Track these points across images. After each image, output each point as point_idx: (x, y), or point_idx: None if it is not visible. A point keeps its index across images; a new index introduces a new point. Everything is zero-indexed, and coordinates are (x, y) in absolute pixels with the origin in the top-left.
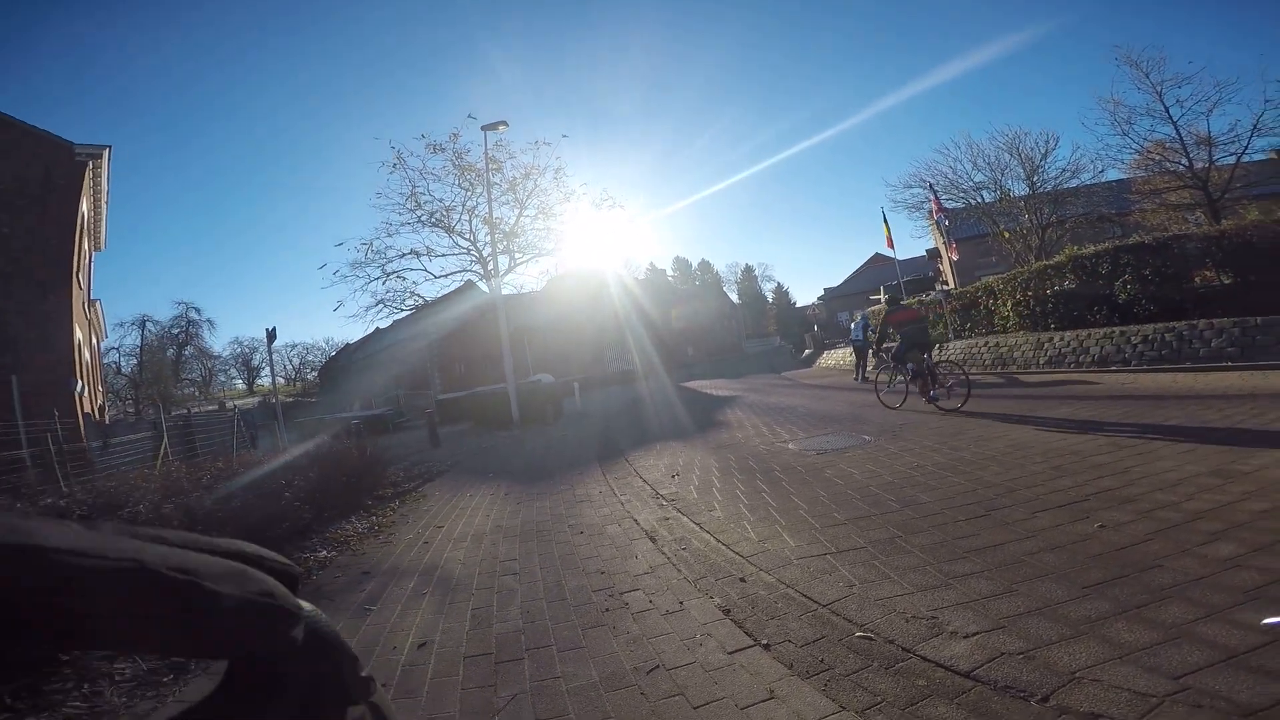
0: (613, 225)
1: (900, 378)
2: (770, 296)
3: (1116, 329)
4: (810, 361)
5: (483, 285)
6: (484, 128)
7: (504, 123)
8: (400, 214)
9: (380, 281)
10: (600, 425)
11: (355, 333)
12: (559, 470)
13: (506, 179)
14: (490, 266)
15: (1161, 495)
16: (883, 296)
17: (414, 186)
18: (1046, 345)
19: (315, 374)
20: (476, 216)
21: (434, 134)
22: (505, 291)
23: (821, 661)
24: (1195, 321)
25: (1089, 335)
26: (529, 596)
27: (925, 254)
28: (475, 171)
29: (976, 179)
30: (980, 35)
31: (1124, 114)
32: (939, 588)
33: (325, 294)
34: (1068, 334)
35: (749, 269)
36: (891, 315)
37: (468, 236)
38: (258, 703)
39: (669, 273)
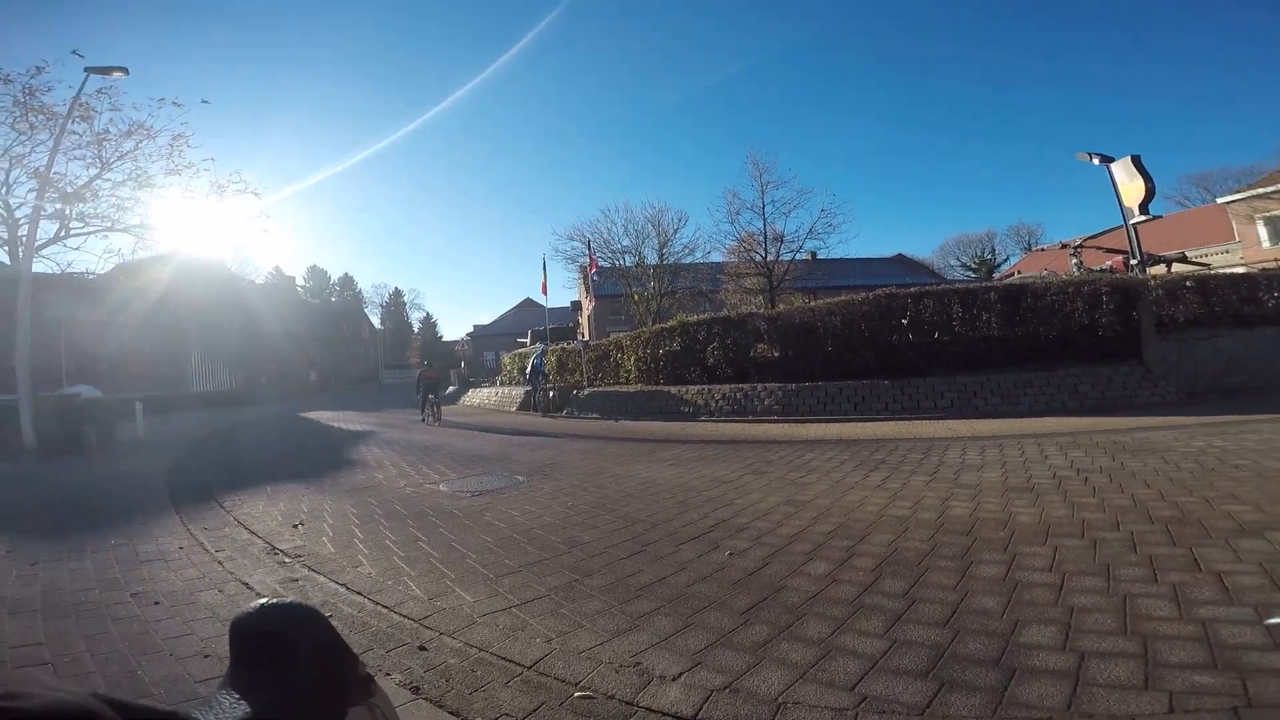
0: (237, 215)
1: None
2: (417, 326)
3: (706, 386)
4: (455, 399)
5: (1, 254)
6: (90, 69)
7: (122, 69)
8: None
9: None
10: (180, 459)
11: None
12: (108, 518)
13: (94, 131)
14: (23, 232)
15: (761, 523)
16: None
17: None
18: (657, 397)
19: None
20: (22, 167)
21: (6, 63)
22: (40, 269)
23: None
24: (755, 384)
25: (687, 390)
26: None
27: (570, 305)
28: (47, 114)
29: (624, 243)
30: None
31: (737, 205)
32: (631, 630)
33: None
34: (674, 388)
35: (398, 293)
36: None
37: None
38: (260, 702)
39: (299, 281)
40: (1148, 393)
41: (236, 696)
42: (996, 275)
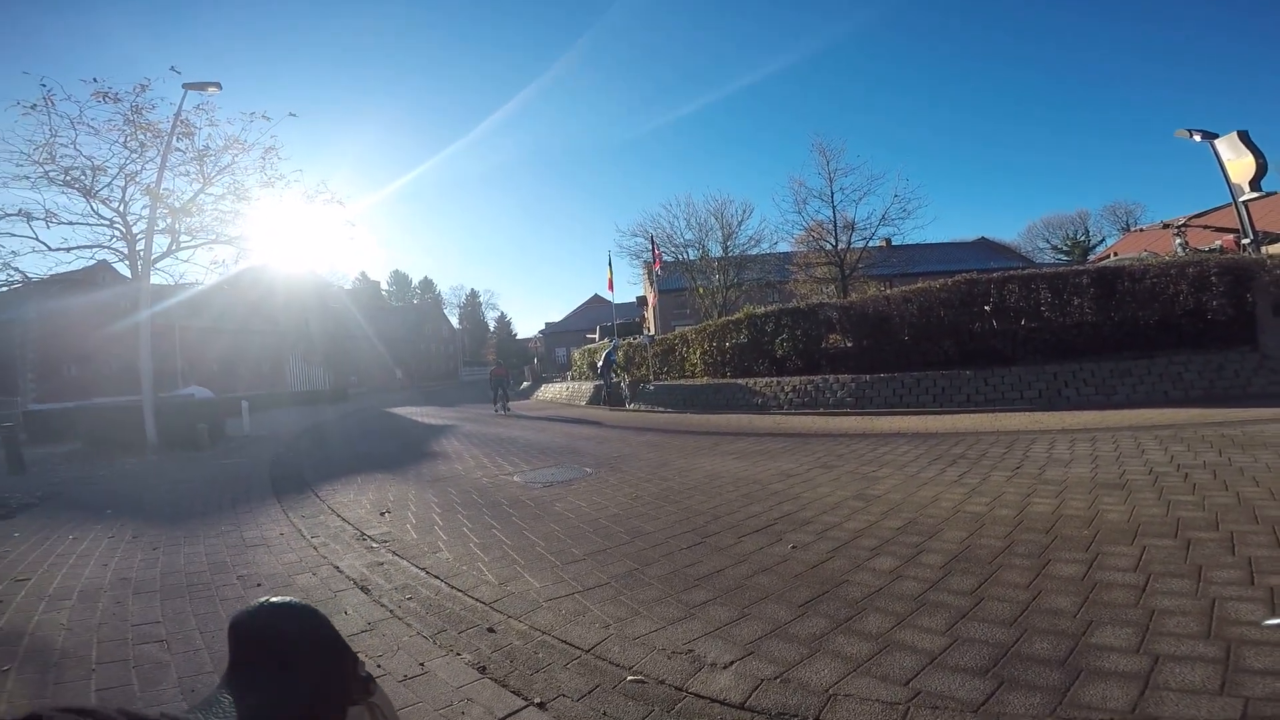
0: (325, 223)
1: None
2: (493, 325)
3: (774, 379)
4: (529, 394)
5: (123, 268)
6: (188, 86)
7: (216, 84)
8: (20, 165)
9: None
10: (280, 453)
11: None
12: (217, 507)
13: (196, 148)
14: (141, 246)
15: (828, 517)
16: (596, 337)
17: (55, 134)
18: (724, 390)
19: None
20: (136, 184)
21: (113, 81)
22: (159, 281)
23: (605, 714)
24: (827, 376)
25: (755, 383)
26: (190, 672)
27: (636, 300)
28: (154, 131)
29: (687, 237)
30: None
31: (803, 194)
32: (685, 619)
33: None
34: (740, 381)
35: (474, 294)
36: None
37: (115, 206)
38: (260, 702)
39: (384, 286)
40: (1264, 381)
41: (237, 696)
42: (1091, 258)
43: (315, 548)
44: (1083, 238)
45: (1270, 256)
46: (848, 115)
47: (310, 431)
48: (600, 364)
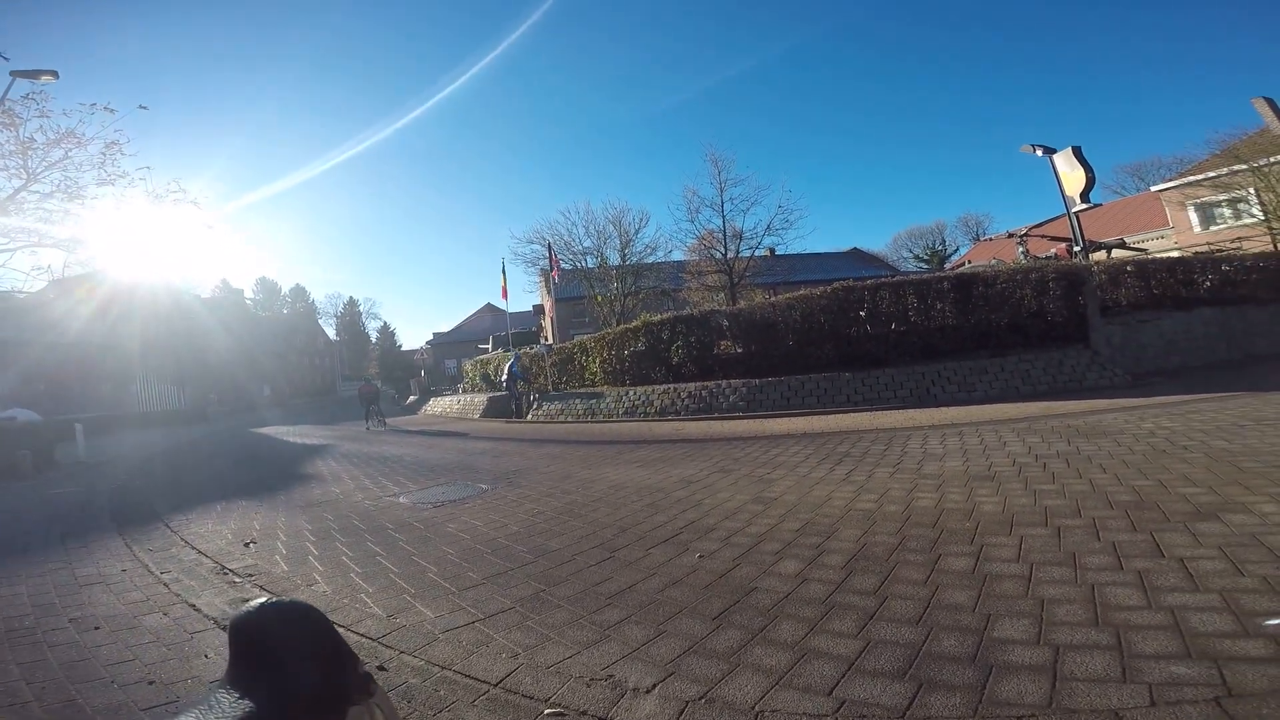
0: (179, 227)
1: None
2: (375, 336)
3: (671, 385)
4: (416, 408)
5: None
6: (16, 73)
7: (51, 73)
8: None
9: None
10: (123, 481)
11: None
12: (42, 543)
13: (20, 139)
14: None
15: (730, 523)
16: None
17: None
18: (624, 398)
19: None
20: None
21: None
22: None
23: None
24: (720, 381)
25: (653, 390)
26: None
27: (532, 309)
28: None
29: (585, 244)
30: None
31: (697, 203)
32: (600, 642)
33: None
34: (640, 389)
35: (353, 302)
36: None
37: None
38: (260, 701)
39: (248, 294)
40: (1096, 376)
41: (236, 695)
42: (947, 265)
43: (166, 584)
44: (940, 247)
45: (1097, 263)
46: (737, 125)
47: (160, 456)
48: (505, 376)
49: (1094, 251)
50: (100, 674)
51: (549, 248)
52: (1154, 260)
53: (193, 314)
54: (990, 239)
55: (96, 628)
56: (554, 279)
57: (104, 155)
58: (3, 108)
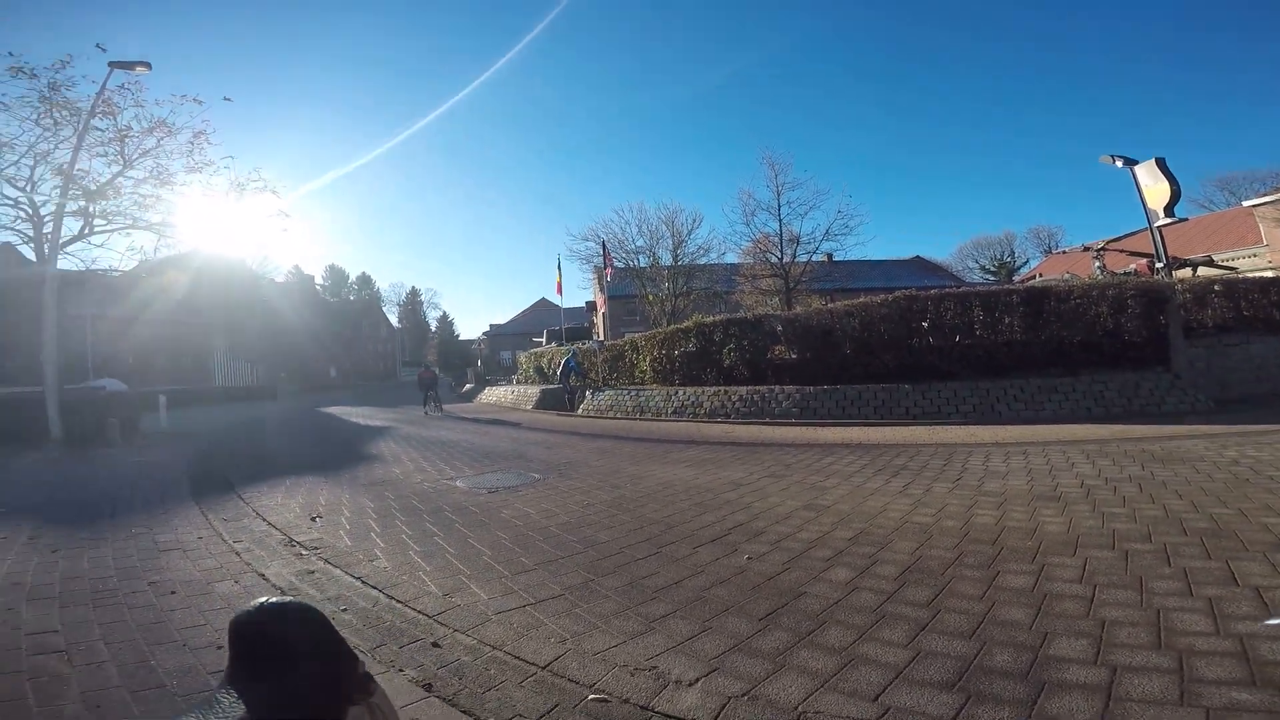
0: (258, 213)
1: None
2: (434, 325)
3: (722, 388)
4: (471, 396)
5: (27, 250)
6: (114, 64)
7: (145, 64)
8: None
9: None
10: (201, 451)
11: None
12: (127, 508)
13: (118, 128)
14: (49, 229)
15: (780, 528)
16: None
17: None
18: (673, 397)
19: None
20: (47, 163)
21: (32, 57)
22: (66, 266)
23: None
24: (773, 386)
25: (703, 391)
26: (94, 684)
27: (585, 305)
28: (71, 109)
29: (638, 243)
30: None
31: (752, 206)
32: (646, 633)
33: None
34: (689, 389)
35: (414, 292)
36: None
37: (21, 185)
38: (260, 701)
39: (319, 281)
40: (1176, 400)
41: (236, 695)
42: (1016, 278)
43: (238, 553)
44: (1009, 259)
45: (1180, 281)
46: (798, 127)
47: (235, 429)
48: (560, 370)
49: (1178, 269)
50: (174, 637)
51: (603, 246)
52: (1245, 279)
53: (268, 297)
54: (1064, 252)
55: (173, 592)
56: (607, 277)
57: (192, 144)
58: (102, 97)
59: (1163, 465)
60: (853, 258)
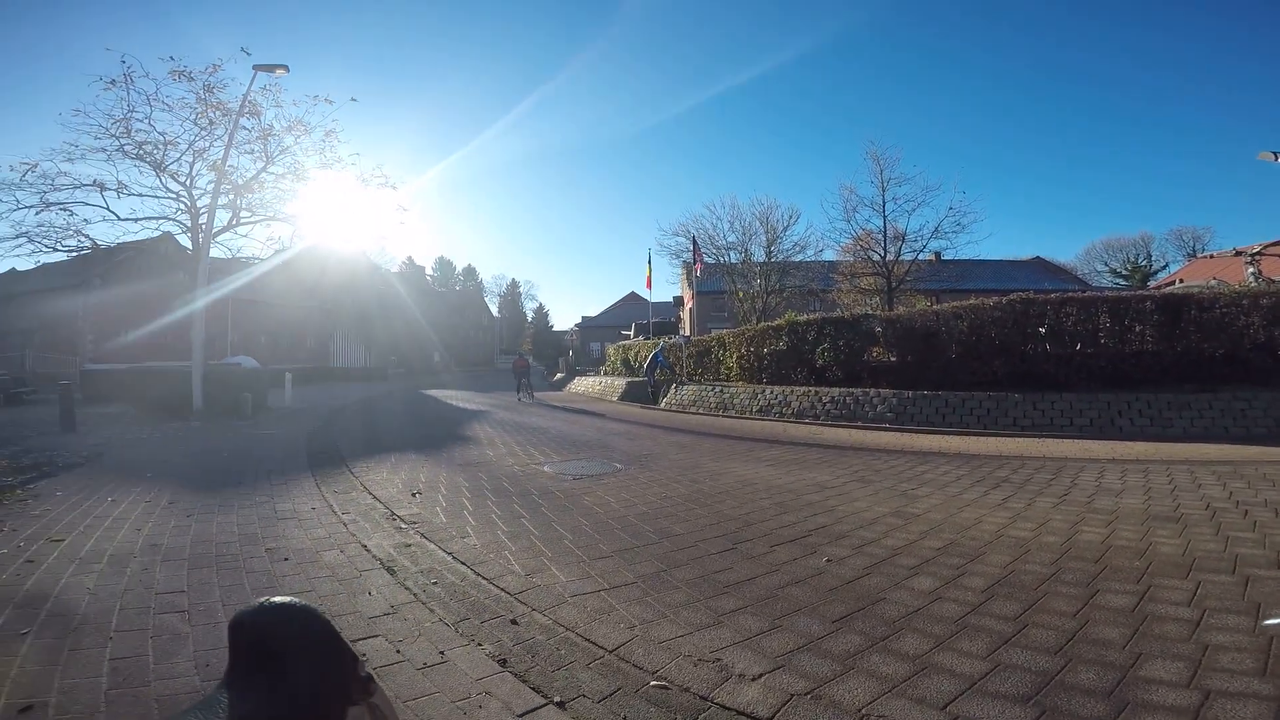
0: (377, 206)
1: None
2: (530, 315)
3: (812, 389)
4: (561, 385)
5: (184, 239)
6: (258, 67)
7: (284, 67)
8: (98, 138)
9: (34, 212)
10: (318, 427)
11: None
12: (253, 477)
13: (261, 127)
14: (203, 220)
15: (864, 533)
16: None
17: (132, 109)
18: (759, 396)
19: None
20: (203, 160)
21: (189, 61)
22: (217, 254)
23: (626, 719)
24: (868, 389)
25: (792, 391)
26: (207, 644)
27: (673, 300)
28: (223, 110)
29: (729, 239)
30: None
31: (854, 202)
32: (713, 626)
33: None
34: (777, 388)
35: (514, 284)
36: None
37: (183, 180)
38: (259, 702)
39: (428, 271)
40: None
41: (236, 696)
42: (1152, 284)
43: (345, 525)
44: (1144, 262)
45: None
46: (905, 121)
47: (349, 408)
48: (647, 363)
49: None
50: None
51: (693, 241)
52: None
53: (383, 285)
54: (1211, 256)
55: (286, 559)
56: (696, 273)
57: (324, 142)
58: (248, 98)
59: None
60: (964, 257)
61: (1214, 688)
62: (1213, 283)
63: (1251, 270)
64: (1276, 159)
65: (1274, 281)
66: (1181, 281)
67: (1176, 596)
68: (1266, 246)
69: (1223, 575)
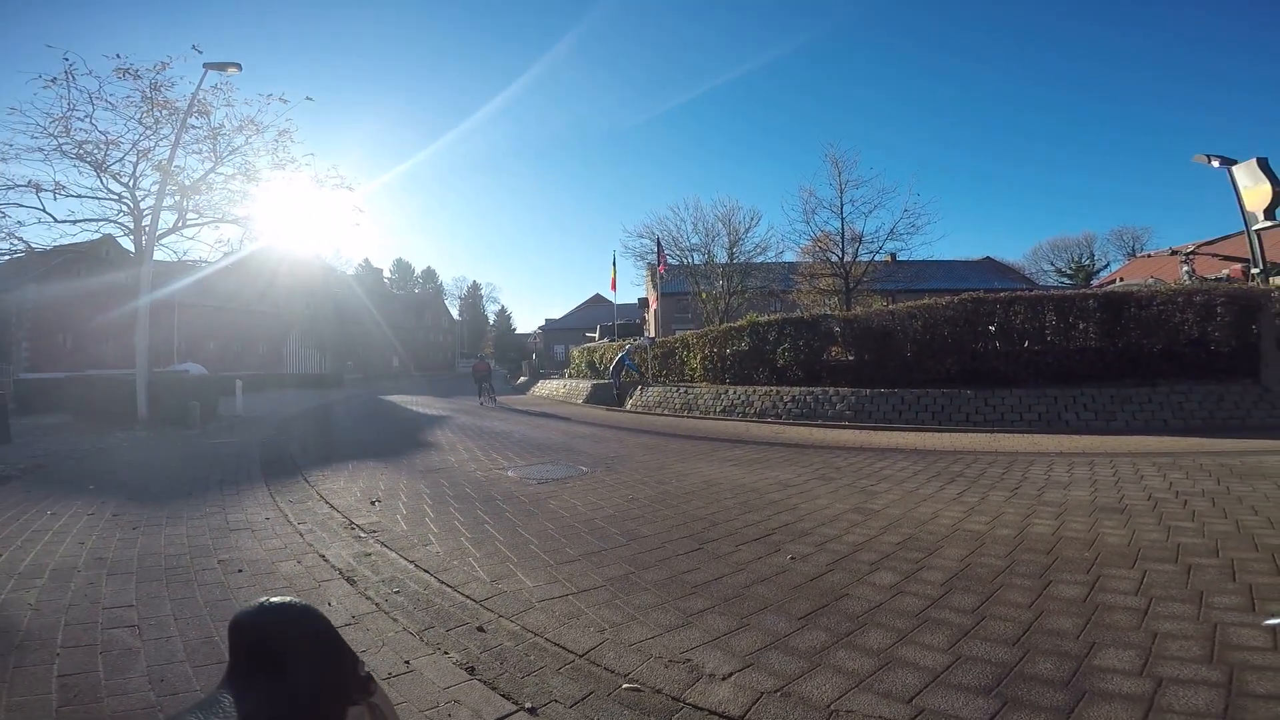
0: (333, 208)
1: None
2: (492, 318)
3: (774, 388)
4: (525, 389)
5: (127, 242)
6: (208, 65)
7: (236, 65)
8: (35, 137)
9: None
10: (271, 436)
11: None
12: (203, 487)
13: (210, 126)
14: (147, 222)
15: (826, 529)
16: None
17: (72, 108)
18: (723, 396)
19: None
20: (148, 160)
21: (138, 59)
22: (162, 257)
23: None
24: (827, 388)
25: (754, 391)
26: (160, 660)
27: (638, 301)
28: (170, 109)
29: (693, 240)
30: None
31: (813, 204)
32: (683, 627)
33: None
34: (740, 389)
35: (475, 286)
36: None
37: (125, 181)
38: (259, 702)
39: (386, 273)
40: (1263, 414)
41: (236, 697)
42: (1094, 282)
43: (301, 534)
44: (1087, 261)
45: (1278, 288)
46: (862, 126)
47: (304, 415)
48: (613, 364)
49: (1277, 275)
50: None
51: (657, 243)
52: None
53: (339, 289)
54: (1149, 255)
55: (240, 570)
56: (660, 274)
57: (277, 142)
58: (198, 97)
59: (1240, 480)
60: (918, 258)
61: (1165, 675)
62: (1150, 281)
63: (1186, 269)
64: (1209, 161)
65: (1206, 279)
66: (1122, 280)
67: (1125, 586)
68: (1200, 246)
69: (1166, 564)
